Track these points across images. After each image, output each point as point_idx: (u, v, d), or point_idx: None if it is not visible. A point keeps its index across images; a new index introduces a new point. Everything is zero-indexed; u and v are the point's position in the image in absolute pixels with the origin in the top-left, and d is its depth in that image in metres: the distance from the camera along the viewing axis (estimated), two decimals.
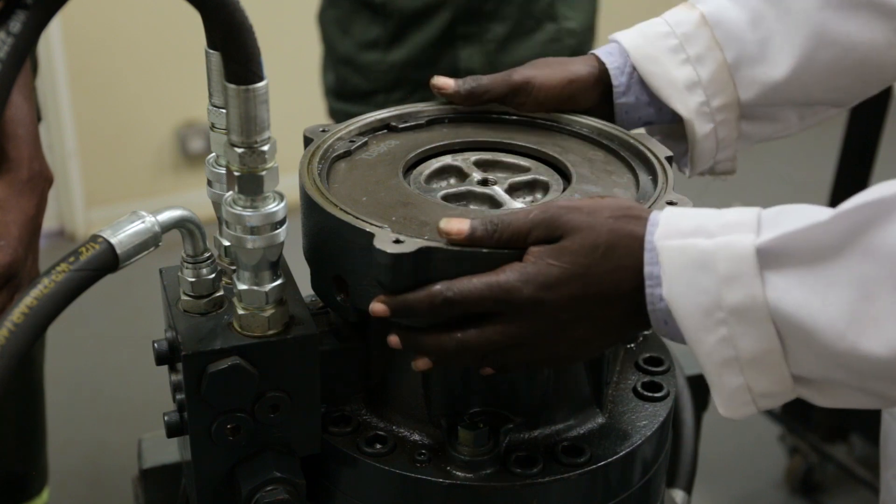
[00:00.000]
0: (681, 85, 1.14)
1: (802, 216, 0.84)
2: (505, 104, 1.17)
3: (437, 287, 0.91)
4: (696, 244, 0.86)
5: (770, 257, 0.83)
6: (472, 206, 1.04)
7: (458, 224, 0.92)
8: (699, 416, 1.37)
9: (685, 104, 1.14)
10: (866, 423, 2.50)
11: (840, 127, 2.66)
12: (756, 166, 4.24)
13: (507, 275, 0.90)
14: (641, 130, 1.21)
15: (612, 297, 0.90)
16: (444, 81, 1.16)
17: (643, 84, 1.16)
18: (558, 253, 0.90)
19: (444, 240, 0.92)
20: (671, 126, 1.19)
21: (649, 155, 1.09)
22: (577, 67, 1.16)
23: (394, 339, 0.97)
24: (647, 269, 0.88)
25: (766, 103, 1.17)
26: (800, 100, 1.18)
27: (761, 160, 4.15)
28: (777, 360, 0.85)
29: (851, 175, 2.62)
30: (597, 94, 1.17)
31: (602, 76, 1.16)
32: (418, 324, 0.95)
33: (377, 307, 0.94)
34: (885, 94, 2.56)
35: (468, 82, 1.15)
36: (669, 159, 1.08)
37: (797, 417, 2.70)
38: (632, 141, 1.12)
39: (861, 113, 2.59)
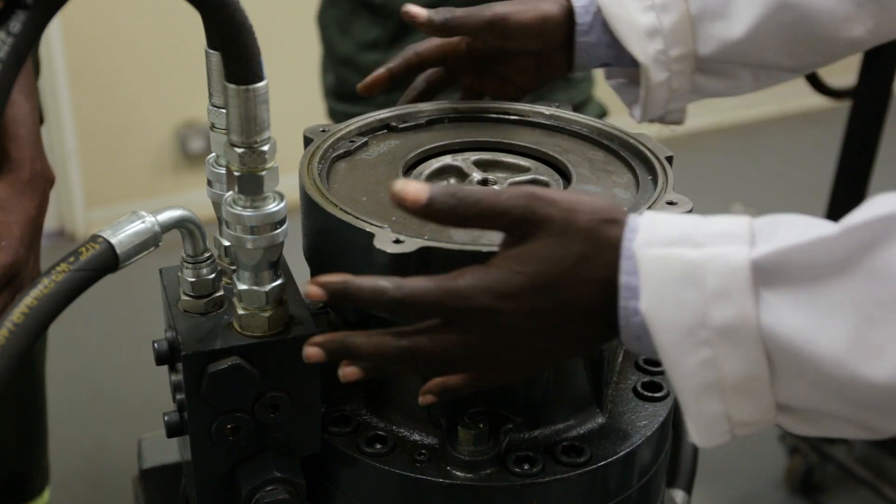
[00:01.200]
0: (642, 30, 1.15)
1: (801, 229, 0.77)
2: (476, 39, 1.18)
3: (384, 283, 0.83)
4: (682, 254, 0.78)
5: (766, 273, 0.76)
6: None
7: (416, 189, 0.82)
8: None
9: (644, 50, 1.16)
10: None
11: (840, 127, 2.66)
12: (756, 166, 4.24)
13: (466, 280, 0.82)
14: (601, 72, 1.24)
15: (578, 310, 0.83)
16: (416, 10, 1.16)
17: (605, 25, 1.17)
18: (525, 259, 0.82)
19: (445, 239, 0.92)
20: (628, 70, 1.20)
21: (649, 155, 1.09)
22: (548, 6, 1.17)
23: (314, 344, 0.86)
24: (623, 280, 0.80)
25: (722, 60, 1.18)
26: (754, 61, 1.19)
27: (761, 160, 4.15)
28: (763, 386, 0.78)
29: (851, 175, 2.62)
30: (563, 32, 1.18)
31: (569, 14, 1.18)
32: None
33: (312, 289, 0.84)
34: (885, 94, 2.56)
35: (441, 13, 1.16)
36: (670, 159, 1.08)
37: None
38: (632, 141, 1.12)
39: (861, 113, 2.59)
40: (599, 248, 0.82)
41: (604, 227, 0.82)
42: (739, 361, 0.77)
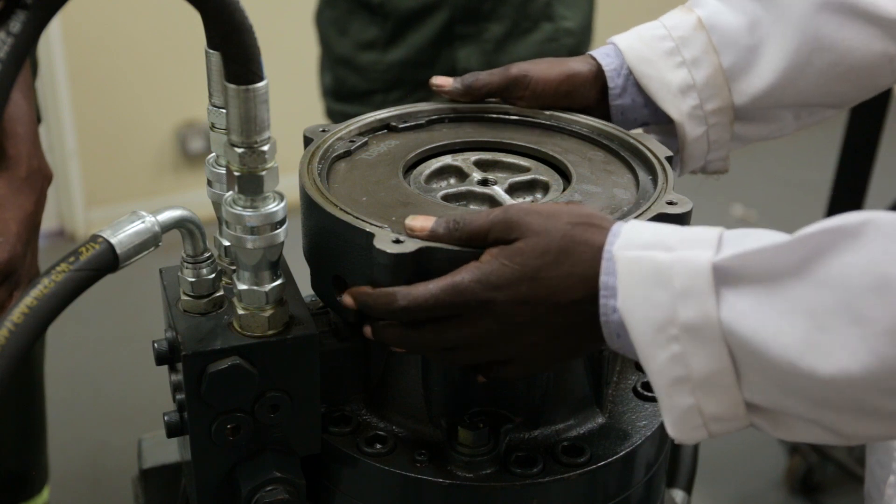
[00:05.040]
0: (674, 88, 1.15)
1: (763, 238, 0.82)
2: (503, 98, 1.17)
3: (393, 294, 0.92)
4: (654, 257, 0.84)
5: (726, 275, 0.82)
6: (472, 206, 1.04)
7: (422, 221, 0.94)
8: None
9: (677, 107, 1.15)
10: None
11: (840, 127, 2.66)
12: (756, 166, 4.24)
13: (462, 276, 0.90)
14: (638, 130, 1.22)
15: (562, 303, 0.89)
16: (442, 80, 1.18)
17: (639, 86, 1.17)
18: (512, 253, 0.89)
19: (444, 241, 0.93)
20: (667, 126, 1.20)
21: (649, 155, 1.09)
22: (575, 65, 1.17)
23: (367, 330, 0.97)
24: (602, 279, 0.87)
25: (761, 106, 1.17)
26: (795, 102, 1.18)
27: (761, 160, 4.15)
28: (729, 382, 0.83)
29: (851, 175, 2.62)
30: (595, 92, 1.18)
31: (599, 76, 1.17)
32: None
33: (346, 300, 0.96)
34: (885, 94, 2.56)
35: (466, 78, 1.17)
36: (669, 159, 1.08)
37: None
38: (632, 141, 1.12)
39: (861, 113, 2.59)
40: (579, 247, 0.88)
41: (584, 229, 0.89)
42: (706, 357, 0.83)
